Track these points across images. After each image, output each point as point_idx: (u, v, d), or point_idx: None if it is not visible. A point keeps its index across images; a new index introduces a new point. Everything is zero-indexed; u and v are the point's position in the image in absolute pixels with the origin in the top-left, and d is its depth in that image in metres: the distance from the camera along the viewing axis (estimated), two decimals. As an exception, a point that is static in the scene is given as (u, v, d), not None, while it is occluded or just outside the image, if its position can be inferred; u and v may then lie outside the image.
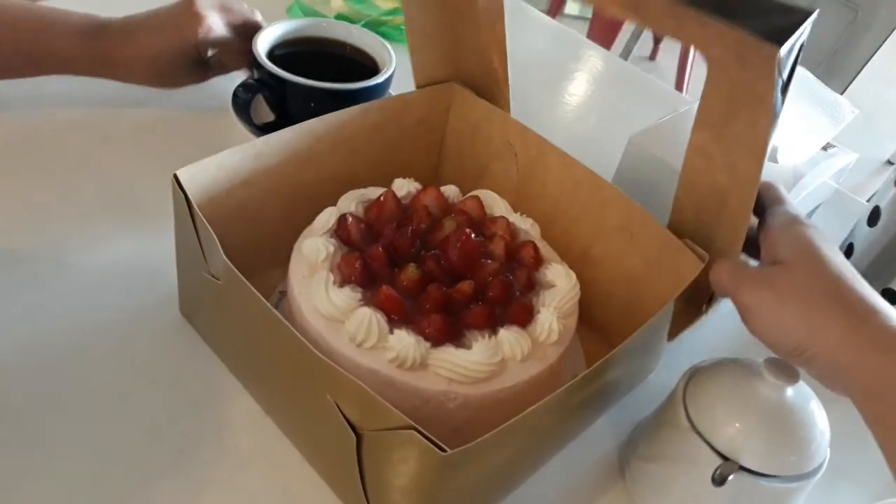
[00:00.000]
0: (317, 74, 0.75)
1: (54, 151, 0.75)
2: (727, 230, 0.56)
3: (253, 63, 0.77)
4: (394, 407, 0.52)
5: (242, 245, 0.62)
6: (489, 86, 0.70)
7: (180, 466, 0.54)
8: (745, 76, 0.46)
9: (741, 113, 0.49)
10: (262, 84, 0.76)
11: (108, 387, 0.57)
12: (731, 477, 0.50)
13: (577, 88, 1.08)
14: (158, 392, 0.58)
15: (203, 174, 0.57)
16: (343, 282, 0.55)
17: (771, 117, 0.47)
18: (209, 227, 0.52)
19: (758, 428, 0.52)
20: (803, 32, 0.44)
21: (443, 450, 0.42)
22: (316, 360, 0.45)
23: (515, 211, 0.66)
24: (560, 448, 0.59)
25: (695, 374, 0.56)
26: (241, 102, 0.76)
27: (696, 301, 0.65)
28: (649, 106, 1.03)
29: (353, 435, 0.46)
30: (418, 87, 0.71)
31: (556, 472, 0.59)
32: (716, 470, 0.50)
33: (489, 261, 0.58)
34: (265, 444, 0.56)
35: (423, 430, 0.42)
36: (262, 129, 0.76)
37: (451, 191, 0.66)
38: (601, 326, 0.68)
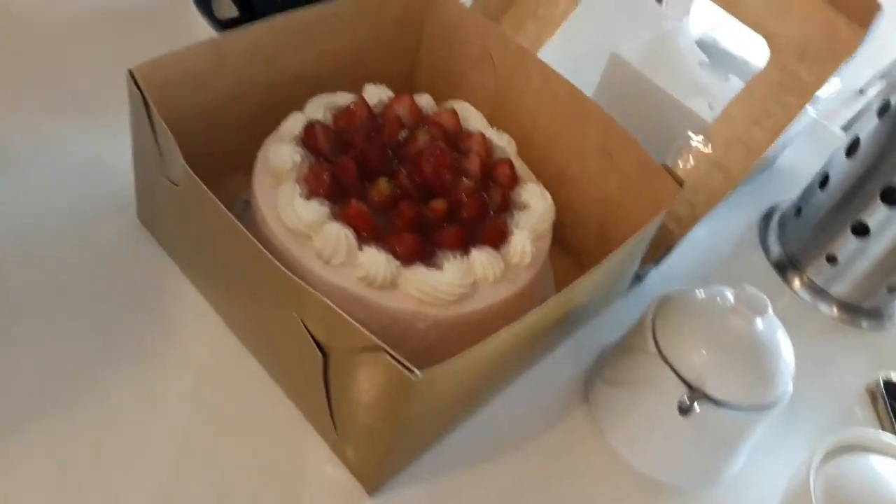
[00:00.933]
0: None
1: (-2, 44, 0.69)
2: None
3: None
4: (363, 325, 0.51)
5: (203, 150, 0.58)
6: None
7: (136, 379, 0.52)
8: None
9: (781, 96, 0.53)
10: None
11: (61, 295, 0.55)
12: (696, 407, 0.50)
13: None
14: (114, 301, 0.55)
15: (160, 72, 0.53)
16: (311, 194, 0.53)
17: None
18: (167, 128, 0.48)
19: (725, 357, 0.52)
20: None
21: (412, 371, 0.40)
22: (281, 276, 0.43)
23: (492, 125, 0.64)
24: (526, 370, 0.59)
25: (664, 302, 0.56)
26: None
27: (668, 233, 0.64)
28: (634, 25, 0.99)
29: (320, 353, 0.44)
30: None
31: (521, 393, 0.58)
32: (681, 398, 0.50)
33: (464, 178, 0.56)
34: (227, 358, 0.54)
35: (392, 352, 0.41)
36: (225, 26, 0.71)
37: (425, 101, 0.62)
38: (573, 249, 0.67)
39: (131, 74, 0.50)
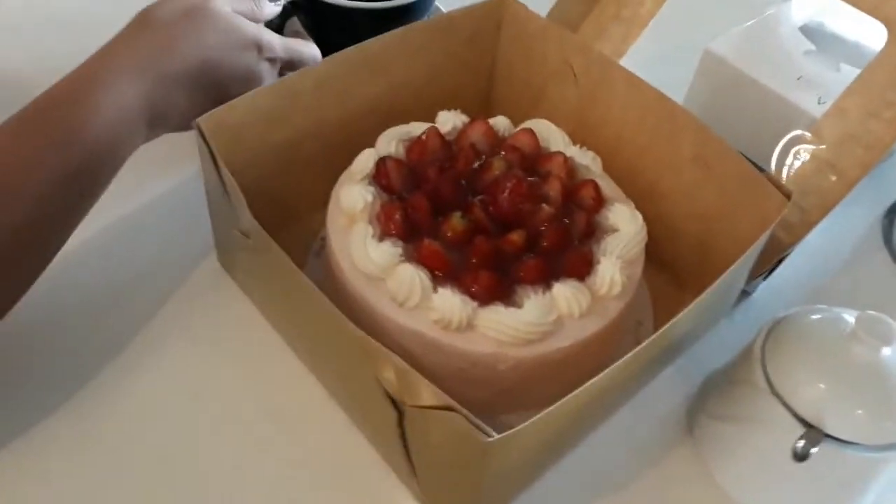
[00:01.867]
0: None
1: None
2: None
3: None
4: (439, 369, 0.49)
5: (279, 190, 0.59)
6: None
7: (219, 426, 0.52)
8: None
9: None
10: (294, 6, 0.70)
11: (143, 342, 0.55)
12: (814, 450, 0.45)
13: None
14: (196, 347, 0.56)
15: (231, 118, 0.52)
16: (383, 234, 0.51)
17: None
18: (234, 182, 0.48)
19: (846, 391, 0.46)
20: None
21: (487, 434, 0.38)
22: (351, 333, 0.42)
23: (575, 143, 0.60)
24: (622, 405, 0.55)
25: (775, 328, 0.50)
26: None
27: (777, 242, 0.58)
28: (729, 14, 0.92)
29: (395, 411, 0.43)
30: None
31: (617, 428, 0.54)
32: (797, 441, 0.45)
33: (543, 205, 0.52)
34: (309, 404, 0.53)
35: (464, 412, 0.38)
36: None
37: (501, 123, 0.60)
38: (670, 265, 0.62)
39: (198, 127, 0.50)
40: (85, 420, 0.51)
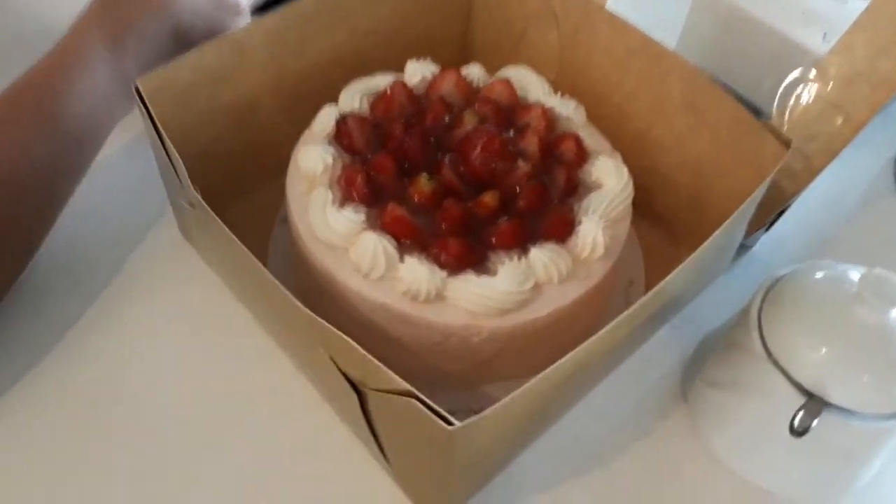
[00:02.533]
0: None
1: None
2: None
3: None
4: (411, 341, 0.46)
5: (238, 154, 0.55)
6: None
7: (184, 403, 0.49)
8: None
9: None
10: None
11: (103, 317, 0.52)
12: (815, 423, 0.41)
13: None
14: (159, 321, 0.53)
15: (175, 78, 0.48)
16: (345, 199, 0.47)
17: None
18: (175, 150, 0.43)
19: (850, 356, 0.43)
20: None
21: (448, 422, 0.34)
22: (303, 315, 0.38)
23: (556, 90, 0.55)
24: (611, 371, 0.52)
25: (773, 288, 0.47)
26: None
27: (779, 191, 0.54)
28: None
29: (355, 393, 0.39)
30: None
31: (606, 394, 0.51)
32: (795, 413, 0.41)
33: (519, 162, 0.48)
34: (279, 379, 0.50)
35: (423, 399, 0.35)
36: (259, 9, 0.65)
37: (475, 72, 0.55)
38: (663, 219, 0.58)
39: (136, 90, 0.45)
40: (38, 402, 0.49)
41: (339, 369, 0.39)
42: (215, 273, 0.54)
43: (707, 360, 0.50)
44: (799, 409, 0.41)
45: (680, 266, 0.42)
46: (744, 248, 0.59)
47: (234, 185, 0.55)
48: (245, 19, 0.58)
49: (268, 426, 0.49)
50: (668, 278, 0.41)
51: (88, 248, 0.55)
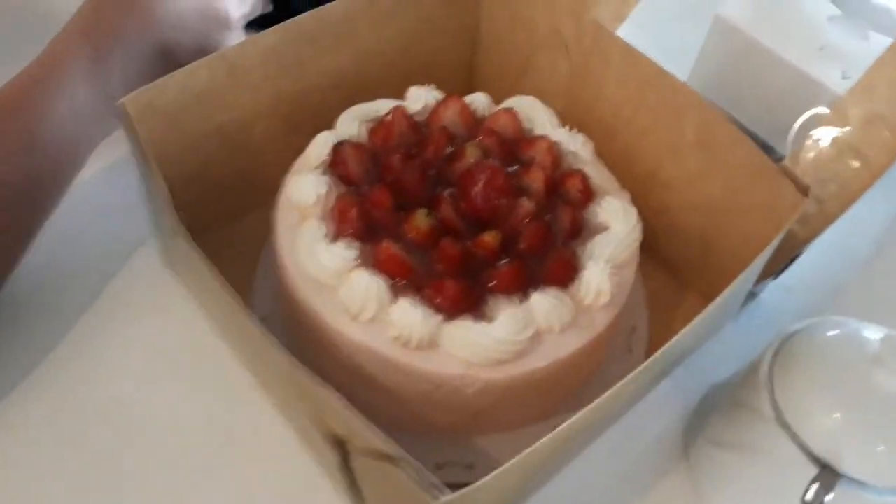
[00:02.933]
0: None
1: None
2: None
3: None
4: (400, 390, 0.43)
5: (231, 178, 0.52)
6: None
7: (159, 441, 0.47)
8: None
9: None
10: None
11: (82, 348, 0.50)
12: (829, 498, 0.38)
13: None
14: (136, 353, 0.50)
15: (163, 99, 0.45)
16: (337, 234, 0.44)
17: None
18: (160, 175, 0.41)
19: (867, 423, 0.40)
20: None
21: (436, 494, 0.32)
22: (286, 363, 0.35)
23: (564, 123, 0.53)
24: (609, 426, 0.49)
25: (784, 345, 0.44)
26: None
27: (790, 237, 0.52)
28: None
29: (338, 454, 0.37)
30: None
31: (605, 449, 0.48)
32: (808, 486, 0.39)
33: (523, 199, 0.46)
34: (257, 421, 0.47)
35: (410, 465, 0.32)
36: (258, 24, 0.62)
37: (479, 101, 0.52)
38: (671, 263, 0.56)
39: (123, 109, 0.43)
40: (8, 429, 0.46)
41: (325, 425, 0.36)
42: (197, 303, 0.51)
43: (711, 418, 0.48)
44: (812, 482, 0.39)
45: (691, 322, 0.40)
46: (751, 295, 0.57)
47: (223, 211, 0.53)
48: (236, 35, 0.55)
49: (246, 470, 0.46)
50: (678, 336, 0.39)
51: (66, 272, 0.52)
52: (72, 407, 0.48)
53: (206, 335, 0.50)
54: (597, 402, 0.35)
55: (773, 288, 0.56)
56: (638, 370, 0.37)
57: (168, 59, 0.50)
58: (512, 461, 0.33)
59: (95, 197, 0.55)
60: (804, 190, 0.45)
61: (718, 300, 0.41)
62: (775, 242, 0.44)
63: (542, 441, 0.33)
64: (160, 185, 0.41)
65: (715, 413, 0.47)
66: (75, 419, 0.47)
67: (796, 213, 0.45)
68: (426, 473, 0.32)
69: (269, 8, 0.58)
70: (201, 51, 0.50)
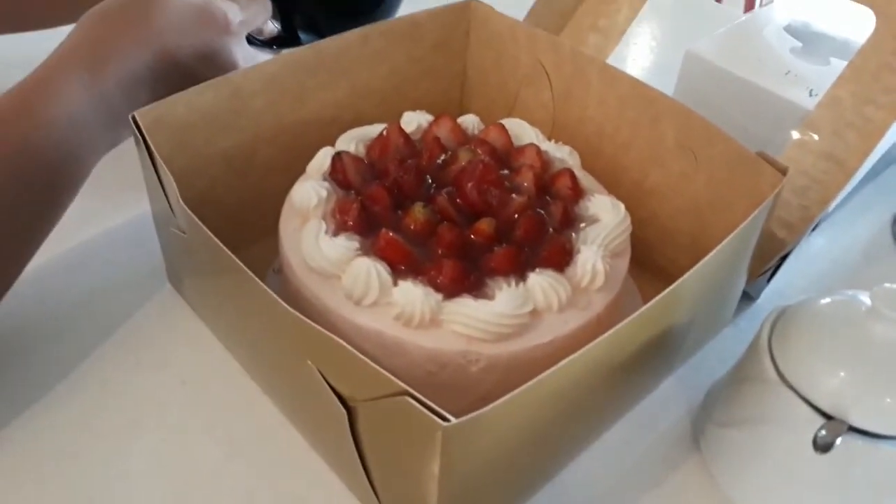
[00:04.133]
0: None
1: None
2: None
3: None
4: (405, 374, 0.43)
5: (234, 204, 0.54)
6: None
7: (164, 458, 0.46)
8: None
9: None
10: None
11: (89, 371, 0.50)
12: (838, 441, 0.38)
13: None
14: (144, 374, 0.50)
15: (170, 116, 0.48)
16: (338, 230, 0.46)
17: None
18: (165, 168, 0.43)
19: (870, 375, 0.40)
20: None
21: (444, 419, 0.32)
22: (287, 316, 0.36)
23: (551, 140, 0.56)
24: (617, 416, 0.49)
25: (782, 315, 0.45)
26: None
27: (777, 242, 0.54)
28: (709, 23, 0.90)
29: (343, 409, 0.37)
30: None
31: (616, 442, 0.48)
32: (818, 430, 0.39)
33: (515, 195, 0.48)
34: (263, 428, 0.47)
35: (418, 395, 0.33)
36: (269, 45, 0.67)
37: (469, 121, 0.56)
38: (664, 269, 0.57)
39: (133, 120, 0.46)
40: (18, 452, 0.46)
41: (328, 384, 0.37)
42: (204, 322, 0.52)
43: (717, 404, 0.48)
44: (820, 429, 0.39)
45: (696, 266, 0.41)
46: (747, 298, 0.58)
47: (227, 239, 0.54)
48: (237, 40, 0.56)
49: (255, 478, 0.45)
50: (681, 279, 0.40)
51: (75, 290, 0.54)
52: (77, 420, 0.47)
53: (213, 351, 0.51)
54: (599, 339, 0.36)
55: (767, 294, 0.58)
56: (642, 309, 0.38)
57: (169, 64, 0.51)
58: (522, 387, 0.33)
59: (102, 221, 0.57)
60: (783, 170, 0.47)
61: (702, 262, 0.41)
62: (764, 208, 0.45)
63: (554, 368, 0.34)
64: (168, 177, 0.43)
65: (720, 399, 0.47)
66: (81, 432, 0.47)
67: (775, 190, 0.47)
68: (432, 404, 0.32)
69: (269, 16, 0.59)
70: (203, 56, 0.51)
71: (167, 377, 0.50)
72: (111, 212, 0.60)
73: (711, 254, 0.42)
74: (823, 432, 0.38)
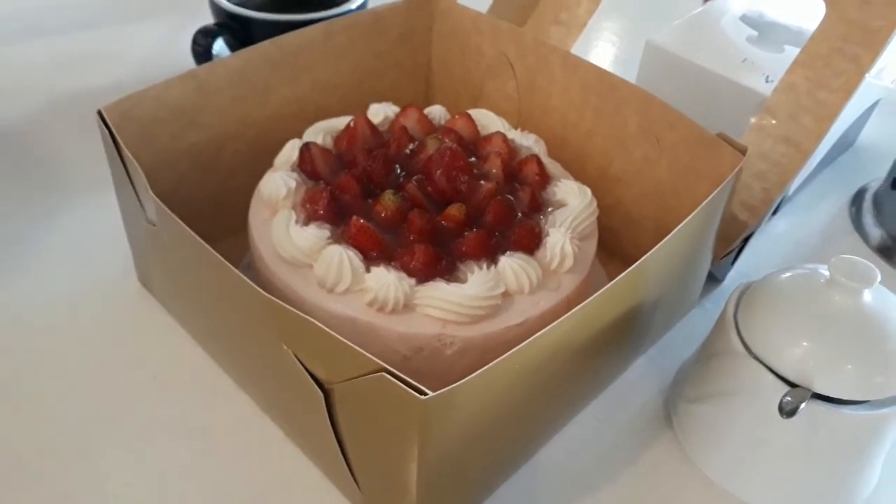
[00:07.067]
0: (281, 7, 0.66)
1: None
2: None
3: (211, 6, 0.68)
4: (380, 360, 0.44)
5: (200, 201, 0.54)
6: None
7: (140, 453, 0.46)
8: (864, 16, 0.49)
9: (848, 49, 0.50)
10: (222, 27, 0.68)
11: (59, 371, 0.49)
12: (803, 405, 0.39)
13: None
14: (115, 371, 0.50)
15: (139, 110, 0.48)
16: (308, 219, 0.46)
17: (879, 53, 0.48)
18: (134, 161, 0.43)
19: (831, 344, 0.41)
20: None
21: (422, 393, 0.32)
22: (259, 299, 0.36)
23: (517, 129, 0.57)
24: (591, 395, 0.50)
25: (747, 290, 0.46)
26: (201, 50, 0.67)
27: (739, 224, 0.55)
28: (668, 13, 0.91)
29: (320, 392, 0.37)
30: None
31: (590, 422, 0.49)
32: (783, 398, 0.40)
33: (483, 182, 0.48)
34: (238, 421, 0.47)
35: (395, 371, 0.33)
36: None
37: (436, 112, 0.56)
38: (633, 258, 0.57)
39: (100, 114, 0.45)
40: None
41: (304, 368, 0.37)
42: (175, 318, 0.52)
43: (687, 379, 0.49)
44: (785, 395, 0.40)
45: (665, 238, 0.42)
46: (713, 280, 0.59)
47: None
48: None
49: (231, 472, 0.45)
50: (654, 249, 0.41)
51: (38, 297, 0.53)
52: (52, 419, 0.47)
53: (185, 346, 0.51)
54: (582, 304, 0.37)
55: (732, 276, 0.60)
56: (617, 279, 0.39)
57: None
58: (496, 360, 0.34)
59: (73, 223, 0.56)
60: (742, 150, 0.49)
61: (671, 235, 0.42)
62: (726, 186, 0.46)
63: (526, 342, 0.35)
64: (135, 170, 0.43)
65: (690, 376, 0.48)
66: (55, 430, 0.46)
67: (735, 168, 0.48)
68: (409, 380, 0.33)
69: None
70: None
71: (139, 374, 0.49)
72: (80, 212, 0.59)
73: (676, 230, 0.43)
74: (788, 398, 0.39)
